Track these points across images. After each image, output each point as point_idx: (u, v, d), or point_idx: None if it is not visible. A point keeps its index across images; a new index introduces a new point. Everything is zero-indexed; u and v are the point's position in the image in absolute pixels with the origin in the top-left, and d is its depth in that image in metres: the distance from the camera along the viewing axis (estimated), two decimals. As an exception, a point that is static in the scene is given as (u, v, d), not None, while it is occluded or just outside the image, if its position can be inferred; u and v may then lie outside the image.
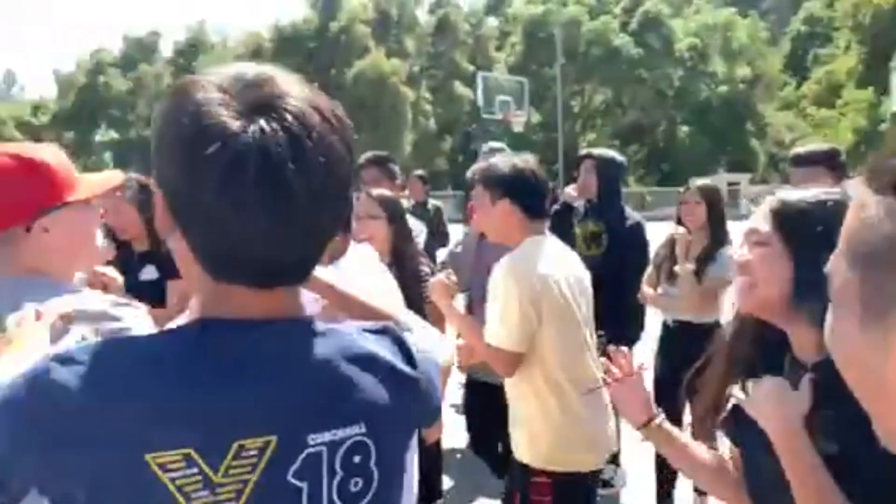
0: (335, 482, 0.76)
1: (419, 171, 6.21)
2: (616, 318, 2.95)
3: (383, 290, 1.96)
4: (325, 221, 0.77)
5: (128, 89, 43.98)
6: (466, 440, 3.62)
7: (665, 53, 41.09)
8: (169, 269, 2.57)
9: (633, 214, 3.81)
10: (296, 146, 0.71)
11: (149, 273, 2.90)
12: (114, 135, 43.46)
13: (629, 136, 42.37)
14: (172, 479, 0.69)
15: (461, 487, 3.90)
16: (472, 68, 40.87)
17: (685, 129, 41.92)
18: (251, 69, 0.76)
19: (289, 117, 0.72)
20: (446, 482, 3.71)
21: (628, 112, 43.27)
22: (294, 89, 0.75)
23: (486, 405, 3.09)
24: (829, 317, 0.61)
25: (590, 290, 2.31)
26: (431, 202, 5.96)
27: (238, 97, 0.72)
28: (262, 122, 0.71)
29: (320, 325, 0.81)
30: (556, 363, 2.12)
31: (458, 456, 4.17)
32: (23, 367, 0.74)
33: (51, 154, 1.31)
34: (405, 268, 2.74)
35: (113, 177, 1.46)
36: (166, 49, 47.23)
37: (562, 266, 2.20)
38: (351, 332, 0.83)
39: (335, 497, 0.76)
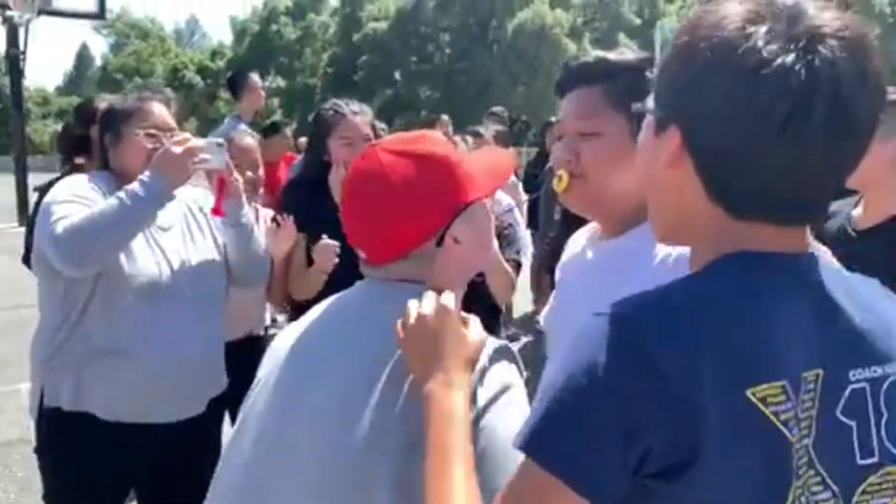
0: (882, 422, 0.73)
1: None
2: None
3: None
4: (858, 158, 0.74)
5: (297, 37, 45.71)
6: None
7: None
8: None
9: None
10: (854, 79, 0.69)
11: None
12: (281, 82, 45.48)
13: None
14: (775, 413, 0.67)
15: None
16: (638, 20, 38.78)
17: None
18: None
19: (843, 49, 0.68)
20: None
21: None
22: (834, 19, 0.70)
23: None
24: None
25: None
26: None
27: (785, 27, 0.69)
28: (819, 52, 0.68)
29: (831, 265, 0.83)
30: None
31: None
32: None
33: (443, 145, 1.09)
34: None
35: (506, 162, 1.20)
36: (334, -2, 48.51)
37: None
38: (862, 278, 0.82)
39: (885, 438, 0.73)
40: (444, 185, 1.05)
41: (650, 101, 0.83)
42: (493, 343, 1.00)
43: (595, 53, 1.33)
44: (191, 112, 44.18)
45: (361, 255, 1.09)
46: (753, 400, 0.67)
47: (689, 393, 0.66)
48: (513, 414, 0.92)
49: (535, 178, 6.15)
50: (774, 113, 0.68)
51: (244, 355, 2.38)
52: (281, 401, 1.07)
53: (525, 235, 2.93)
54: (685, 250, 1.21)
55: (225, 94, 42.92)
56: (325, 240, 2.27)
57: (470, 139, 4.38)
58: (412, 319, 0.96)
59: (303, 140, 6.66)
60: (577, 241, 1.52)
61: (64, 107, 44.91)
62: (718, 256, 0.76)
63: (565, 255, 1.56)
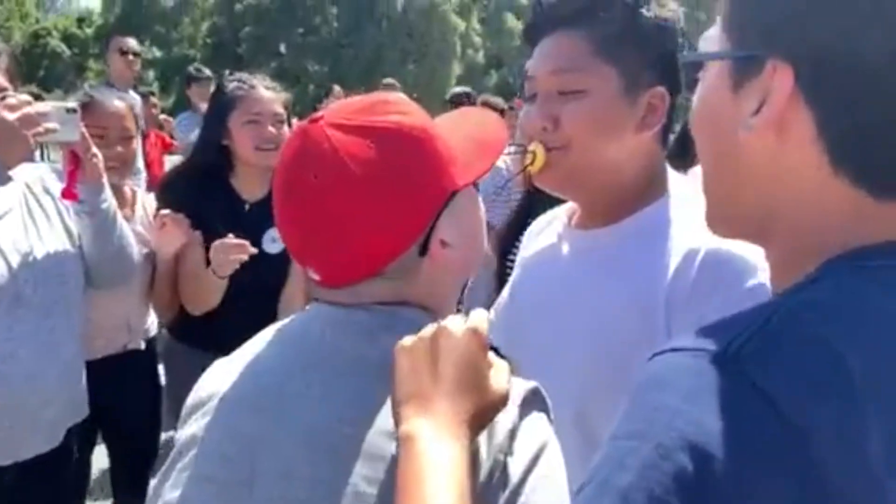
0: None
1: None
2: None
3: None
4: None
5: (174, 4, 43.23)
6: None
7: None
8: None
9: None
10: None
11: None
12: (157, 52, 42.92)
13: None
14: None
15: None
16: (525, 0, 39.27)
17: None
18: None
19: None
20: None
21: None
22: None
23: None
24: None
25: None
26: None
27: None
28: None
29: None
30: None
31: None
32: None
33: (414, 113, 0.78)
34: None
35: (497, 130, 0.87)
36: (213, -35, 46.08)
37: None
38: None
39: None
40: (425, 170, 0.76)
41: (710, 40, 0.59)
42: (520, 385, 0.74)
43: None
44: (56, 84, 41.12)
45: (313, 275, 0.81)
46: None
47: (870, 480, 0.45)
48: (556, 482, 0.69)
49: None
50: None
51: (121, 373, 2.01)
52: (224, 490, 0.76)
53: None
54: (719, 245, 0.92)
55: (95, 64, 40.13)
56: (227, 239, 1.87)
57: None
58: (428, 334, 0.69)
59: (167, 118, 6.12)
60: (545, 232, 1.24)
61: None
62: (836, 256, 0.52)
63: (526, 248, 1.28)
